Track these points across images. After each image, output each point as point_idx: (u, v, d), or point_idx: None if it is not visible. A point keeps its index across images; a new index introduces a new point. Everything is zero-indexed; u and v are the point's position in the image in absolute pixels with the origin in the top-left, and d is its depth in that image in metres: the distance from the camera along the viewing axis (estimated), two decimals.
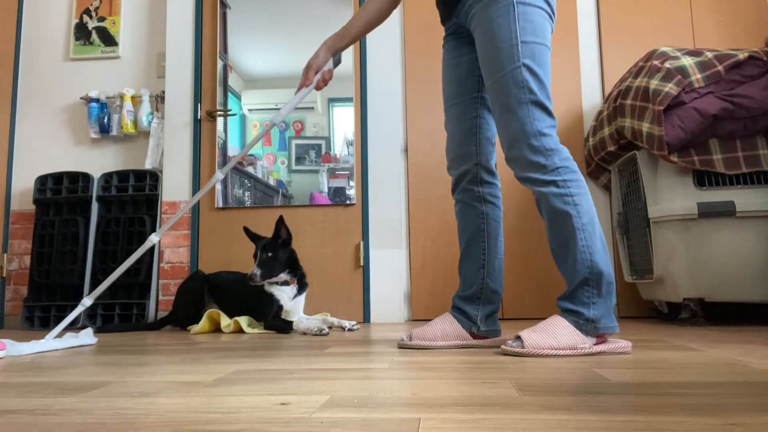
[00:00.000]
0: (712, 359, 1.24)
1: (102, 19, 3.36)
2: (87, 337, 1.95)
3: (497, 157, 1.72)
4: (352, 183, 3.04)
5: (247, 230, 2.49)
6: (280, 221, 2.45)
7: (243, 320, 2.40)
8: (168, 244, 3.06)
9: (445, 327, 1.61)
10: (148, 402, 0.88)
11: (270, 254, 2.37)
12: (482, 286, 1.62)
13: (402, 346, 1.62)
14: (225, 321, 2.39)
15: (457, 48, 1.70)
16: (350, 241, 3.01)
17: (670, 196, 2.22)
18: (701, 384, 0.94)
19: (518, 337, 1.39)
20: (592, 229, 1.41)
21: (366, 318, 2.94)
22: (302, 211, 3.05)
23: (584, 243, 1.40)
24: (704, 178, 2.22)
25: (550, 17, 1.52)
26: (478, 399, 0.86)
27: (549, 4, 1.50)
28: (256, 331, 2.36)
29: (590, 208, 1.43)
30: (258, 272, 2.32)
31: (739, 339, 1.66)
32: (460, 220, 1.68)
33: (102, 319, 2.91)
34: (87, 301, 1.81)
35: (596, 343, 1.39)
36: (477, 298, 1.62)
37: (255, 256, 2.40)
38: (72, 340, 1.88)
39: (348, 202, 3.03)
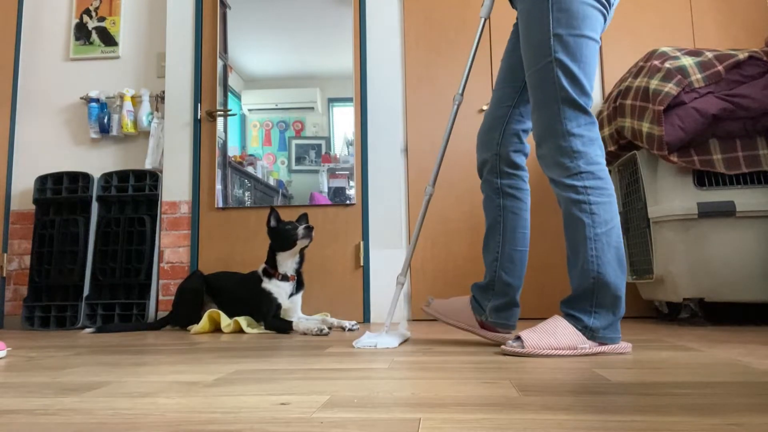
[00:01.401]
0: (712, 359, 1.24)
1: (102, 19, 3.36)
2: (405, 330, 1.87)
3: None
4: (352, 183, 3.04)
5: (274, 210, 2.49)
6: (306, 216, 2.54)
7: (243, 320, 2.40)
8: (168, 244, 3.06)
9: (463, 308, 1.67)
10: (148, 402, 0.88)
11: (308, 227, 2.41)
12: (495, 278, 1.62)
13: (423, 309, 1.75)
14: (225, 321, 2.39)
15: (518, 35, 1.64)
16: (350, 241, 3.01)
17: (670, 196, 2.22)
18: (701, 384, 0.94)
19: (518, 337, 1.39)
20: (606, 240, 1.37)
21: (366, 318, 2.94)
22: (302, 211, 3.05)
23: (593, 253, 1.37)
24: (704, 178, 2.22)
25: (601, 3, 1.41)
26: (478, 399, 0.85)
27: None
28: (255, 331, 2.36)
29: (610, 219, 1.39)
30: (311, 228, 2.37)
31: (739, 339, 1.66)
32: (484, 211, 1.70)
33: (102, 319, 2.91)
34: (401, 278, 1.78)
35: (596, 344, 1.39)
36: (490, 289, 1.63)
37: (289, 224, 2.42)
38: (397, 334, 1.80)
39: (348, 202, 3.03)
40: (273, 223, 2.47)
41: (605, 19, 1.45)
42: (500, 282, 1.62)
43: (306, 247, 2.45)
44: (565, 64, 1.39)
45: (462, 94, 1.79)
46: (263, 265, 2.49)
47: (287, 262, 2.44)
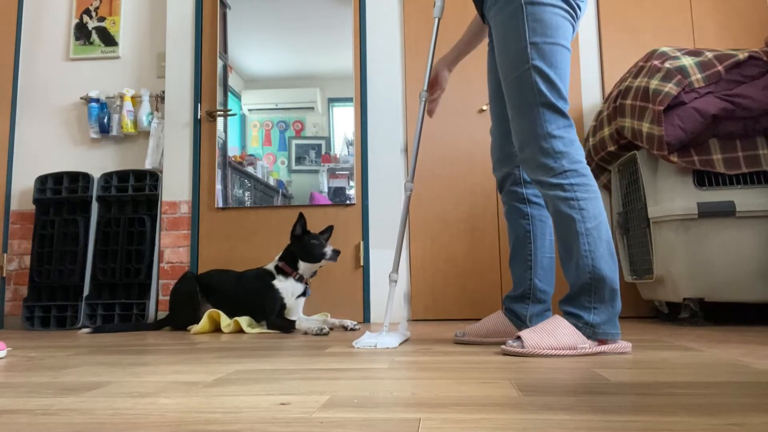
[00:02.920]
0: (712, 359, 1.24)
1: (102, 19, 3.36)
2: (405, 330, 1.83)
3: None
4: (352, 183, 3.04)
5: (302, 217, 2.48)
6: (332, 229, 2.56)
7: (243, 320, 2.40)
8: (168, 244, 3.06)
9: (498, 325, 1.67)
10: (148, 402, 0.88)
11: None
12: (530, 287, 1.65)
13: (457, 342, 1.70)
14: (225, 321, 2.39)
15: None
16: (350, 241, 3.00)
17: (670, 196, 2.22)
18: (701, 384, 0.94)
19: (518, 337, 1.39)
20: (597, 235, 1.40)
21: (366, 318, 2.94)
22: (302, 211, 3.05)
23: (587, 248, 1.39)
24: (704, 178, 2.22)
25: (570, 14, 1.47)
26: (478, 399, 0.85)
27: (567, 1, 1.46)
28: (256, 331, 2.36)
29: (598, 214, 1.42)
30: (338, 253, 2.43)
31: (739, 339, 1.66)
32: (508, 221, 1.72)
33: (102, 319, 2.91)
34: (394, 276, 1.76)
35: (596, 344, 1.39)
36: (526, 298, 1.66)
37: (316, 239, 2.43)
38: (397, 334, 1.77)
39: (348, 202, 3.03)
40: (299, 231, 2.45)
41: (573, 29, 1.51)
42: (536, 290, 1.65)
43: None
44: (542, 70, 1.44)
45: (426, 91, 1.87)
46: (277, 263, 2.47)
47: (305, 271, 2.45)
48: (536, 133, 1.44)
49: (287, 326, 2.29)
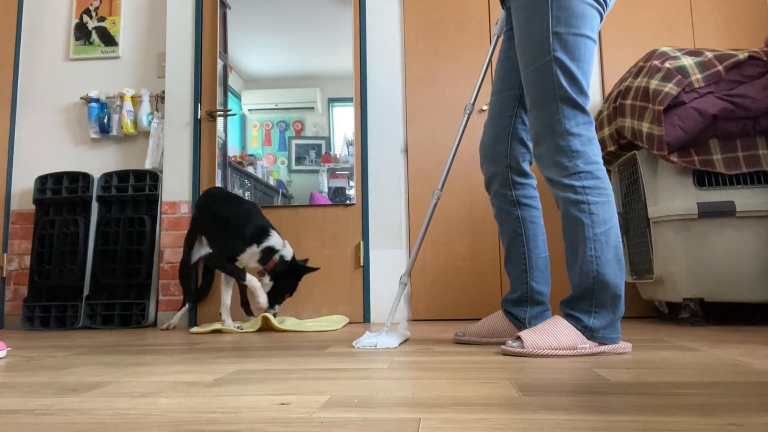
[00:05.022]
0: (712, 359, 1.24)
1: (102, 19, 3.36)
2: (405, 330, 1.83)
3: None
4: (352, 183, 3.04)
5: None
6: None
7: (277, 319, 2.43)
8: (168, 244, 3.06)
9: (498, 325, 1.66)
10: (148, 402, 0.88)
11: None
12: (527, 290, 1.64)
13: (457, 342, 1.70)
14: (253, 322, 2.49)
15: (510, 39, 1.66)
16: (350, 241, 3.00)
17: (670, 196, 2.22)
18: (701, 384, 0.94)
19: (518, 338, 1.39)
20: (605, 240, 1.37)
21: (366, 318, 2.94)
22: (302, 211, 3.05)
23: (592, 253, 1.37)
24: (704, 178, 2.22)
25: (599, 2, 1.41)
26: (478, 399, 0.85)
27: None
28: (287, 325, 2.40)
29: (608, 218, 1.38)
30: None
31: (739, 339, 1.66)
32: (498, 224, 1.70)
33: (102, 318, 2.91)
34: (405, 279, 1.76)
35: (596, 345, 1.39)
36: (524, 301, 1.64)
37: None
38: (397, 334, 1.77)
39: (348, 202, 3.03)
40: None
41: (601, 19, 1.45)
42: (533, 292, 1.63)
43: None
44: (564, 63, 1.38)
45: (473, 105, 1.79)
46: (281, 238, 2.50)
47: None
48: (553, 129, 1.40)
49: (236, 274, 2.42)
